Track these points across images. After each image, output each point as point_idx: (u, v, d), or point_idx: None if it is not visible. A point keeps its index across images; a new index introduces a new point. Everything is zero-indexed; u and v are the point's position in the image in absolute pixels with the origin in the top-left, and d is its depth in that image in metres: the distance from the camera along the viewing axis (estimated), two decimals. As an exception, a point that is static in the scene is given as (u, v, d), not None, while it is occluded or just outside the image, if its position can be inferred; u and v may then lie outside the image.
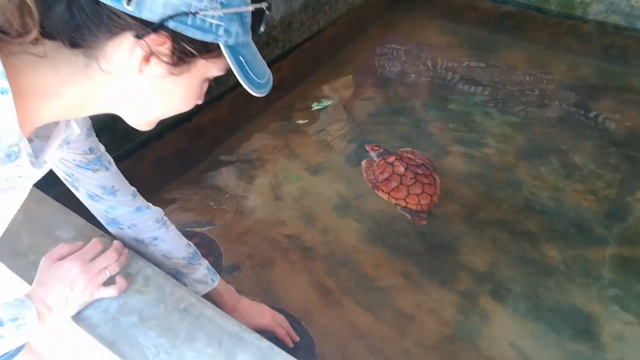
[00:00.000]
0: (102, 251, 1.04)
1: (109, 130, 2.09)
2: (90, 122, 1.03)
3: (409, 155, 2.53)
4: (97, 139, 1.07)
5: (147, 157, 2.31)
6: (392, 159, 2.46)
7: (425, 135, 2.79)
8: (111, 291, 1.04)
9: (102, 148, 1.10)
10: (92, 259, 1.02)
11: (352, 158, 2.62)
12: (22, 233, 1.18)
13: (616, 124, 2.81)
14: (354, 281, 2.08)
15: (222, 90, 2.55)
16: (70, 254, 1.02)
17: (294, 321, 1.86)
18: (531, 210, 2.36)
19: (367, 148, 2.61)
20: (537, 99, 3.04)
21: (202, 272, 1.31)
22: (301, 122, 2.85)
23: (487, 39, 3.63)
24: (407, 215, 2.30)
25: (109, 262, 1.03)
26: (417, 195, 2.30)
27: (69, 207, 1.29)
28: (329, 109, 2.96)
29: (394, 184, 2.34)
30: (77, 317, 1.01)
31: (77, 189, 1.11)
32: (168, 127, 2.35)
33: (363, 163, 2.53)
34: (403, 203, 2.30)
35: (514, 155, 2.66)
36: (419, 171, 2.39)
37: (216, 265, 2.04)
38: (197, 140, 2.52)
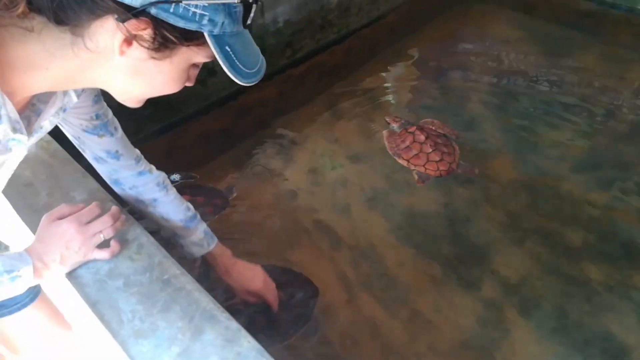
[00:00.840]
0: (100, 216, 1.11)
1: (152, 101, 2.16)
2: (99, 90, 1.08)
3: (430, 126, 2.58)
4: (105, 105, 1.13)
5: (192, 130, 2.40)
6: (413, 128, 2.51)
7: (477, 134, 2.66)
8: (104, 254, 1.10)
9: (110, 114, 1.15)
10: (89, 222, 1.08)
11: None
12: (42, 191, 1.27)
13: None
14: (375, 275, 2.05)
15: (270, 71, 2.58)
16: (70, 215, 1.08)
17: (295, 273, 1.91)
18: (578, 225, 2.19)
19: (387, 120, 2.65)
20: (607, 106, 2.79)
21: (199, 235, 1.36)
22: (350, 110, 2.82)
23: (562, 37, 3.37)
24: (416, 176, 2.40)
25: (104, 226, 1.09)
26: (437, 162, 2.38)
27: (90, 170, 1.37)
28: (380, 98, 2.90)
29: (414, 152, 2.42)
30: (70, 275, 1.08)
31: (84, 151, 1.18)
32: (214, 104, 2.42)
33: (384, 133, 2.58)
34: (422, 169, 2.39)
35: (569, 164, 2.48)
36: (439, 140, 2.46)
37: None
38: (242, 118, 2.57)
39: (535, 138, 2.63)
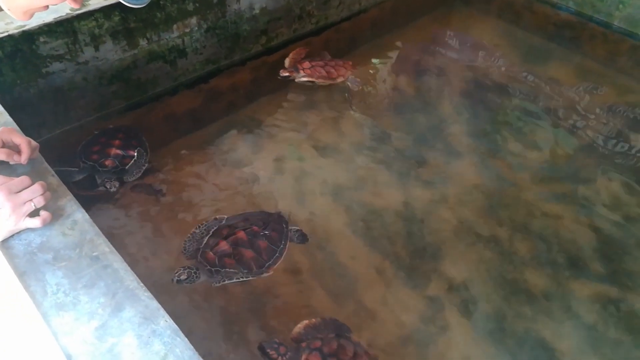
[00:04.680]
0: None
1: (122, 79, 2.19)
2: None
3: (300, 56, 2.91)
4: None
5: (159, 110, 2.41)
6: (308, 64, 2.81)
7: (443, 136, 2.71)
8: (36, 222, 1.13)
9: None
10: (20, 191, 1.11)
11: (362, 147, 2.60)
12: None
13: (653, 161, 2.60)
14: (326, 266, 2.09)
15: (244, 56, 2.59)
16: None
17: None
18: (528, 233, 2.25)
19: (285, 73, 2.77)
20: (574, 118, 2.85)
21: None
22: (322, 101, 2.84)
23: (541, 47, 3.42)
24: (349, 84, 2.91)
25: (35, 194, 1.12)
26: (343, 65, 2.90)
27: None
28: (352, 94, 2.93)
29: (335, 71, 2.84)
30: (3, 245, 1.11)
31: None
32: (184, 85, 2.43)
33: (300, 80, 2.80)
34: (347, 74, 2.90)
35: (529, 173, 2.53)
36: (320, 58, 2.91)
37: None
38: (213, 102, 2.59)
39: (499, 145, 2.68)
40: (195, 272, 1.76)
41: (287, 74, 2.76)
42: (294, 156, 2.53)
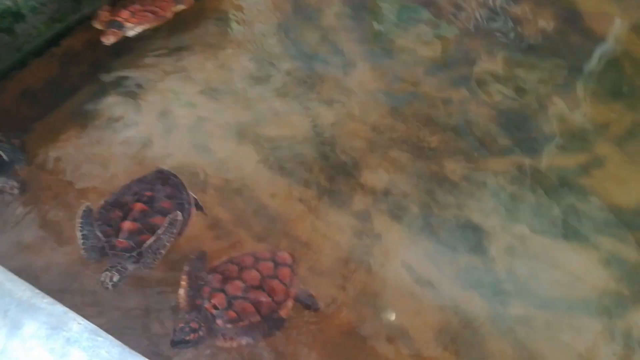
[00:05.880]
0: None
1: (-52, 61, 1.82)
2: None
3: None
4: None
5: (10, 89, 2.08)
6: (127, 14, 2.40)
7: (334, 49, 2.59)
8: None
9: None
10: None
11: (253, 79, 2.42)
12: None
13: (530, 30, 2.68)
14: (249, 211, 2.00)
15: (95, 7, 2.25)
16: None
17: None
18: (435, 125, 2.27)
19: (103, 34, 2.33)
20: (453, 5, 2.84)
21: None
22: (195, 39, 2.57)
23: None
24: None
25: None
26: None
27: None
28: (229, 22, 2.69)
29: (159, 10, 2.48)
30: None
31: None
32: (31, 53, 2.08)
33: (131, 34, 2.40)
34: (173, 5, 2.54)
35: (423, 68, 2.52)
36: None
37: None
38: (72, 65, 2.26)
39: (390, 45, 2.63)
40: (122, 268, 1.59)
41: (113, 38, 2.31)
42: (182, 105, 2.31)
